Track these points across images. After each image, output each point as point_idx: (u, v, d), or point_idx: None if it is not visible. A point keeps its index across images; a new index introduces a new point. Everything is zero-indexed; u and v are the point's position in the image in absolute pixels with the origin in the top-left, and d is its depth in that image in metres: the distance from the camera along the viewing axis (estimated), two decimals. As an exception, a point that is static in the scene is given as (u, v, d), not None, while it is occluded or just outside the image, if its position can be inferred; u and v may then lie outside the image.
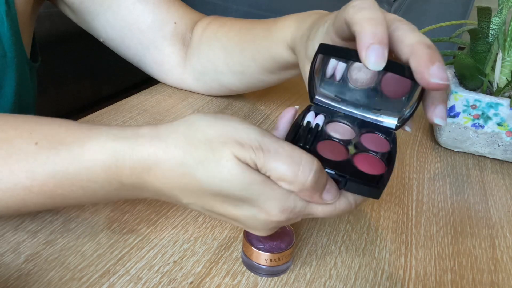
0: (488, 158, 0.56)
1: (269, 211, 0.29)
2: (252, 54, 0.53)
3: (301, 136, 0.32)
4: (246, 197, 0.28)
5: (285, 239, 0.34)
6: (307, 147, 0.31)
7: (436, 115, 0.32)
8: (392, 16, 0.33)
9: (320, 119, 0.34)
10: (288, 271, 0.34)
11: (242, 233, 0.38)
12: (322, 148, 0.32)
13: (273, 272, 0.34)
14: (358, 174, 0.30)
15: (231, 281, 0.33)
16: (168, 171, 0.29)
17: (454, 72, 0.59)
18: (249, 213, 0.29)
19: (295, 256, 0.36)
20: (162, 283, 0.32)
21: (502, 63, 0.54)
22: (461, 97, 0.53)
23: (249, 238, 0.34)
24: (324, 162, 0.30)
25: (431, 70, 0.28)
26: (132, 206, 0.40)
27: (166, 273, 0.33)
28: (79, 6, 0.56)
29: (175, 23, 0.59)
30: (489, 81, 0.56)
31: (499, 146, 0.54)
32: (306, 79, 0.38)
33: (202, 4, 1.73)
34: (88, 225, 0.37)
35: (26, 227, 0.36)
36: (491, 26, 0.54)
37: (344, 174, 0.30)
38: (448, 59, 0.66)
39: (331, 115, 0.35)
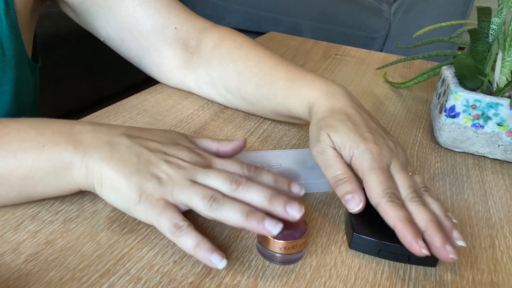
0: (488, 158, 0.56)
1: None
2: (268, 95, 0.53)
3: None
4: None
5: (299, 229, 0.35)
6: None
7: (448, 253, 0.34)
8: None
9: None
10: (288, 271, 0.34)
11: (242, 233, 0.38)
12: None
13: (287, 260, 0.35)
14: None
15: (231, 281, 0.33)
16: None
17: (454, 72, 0.59)
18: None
19: (295, 256, 0.36)
20: (162, 283, 0.32)
21: (502, 63, 0.54)
22: (461, 97, 0.53)
23: None
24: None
25: (446, 249, 0.33)
26: (132, 206, 0.40)
27: (166, 273, 0.33)
28: (79, 7, 0.56)
29: (175, 28, 0.59)
30: (489, 81, 0.56)
31: (499, 146, 0.54)
32: (311, 137, 0.43)
33: (202, 4, 1.73)
34: (88, 225, 0.37)
35: (26, 227, 0.36)
36: (491, 26, 0.54)
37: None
38: (448, 59, 0.66)
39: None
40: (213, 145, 0.42)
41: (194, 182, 0.35)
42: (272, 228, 0.32)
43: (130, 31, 0.58)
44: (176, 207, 0.35)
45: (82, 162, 0.35)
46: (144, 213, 0.34)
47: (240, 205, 0.33)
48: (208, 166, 0.37)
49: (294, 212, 0.33)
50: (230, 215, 0.33)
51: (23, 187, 0.36)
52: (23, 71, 0.52)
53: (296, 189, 0.37)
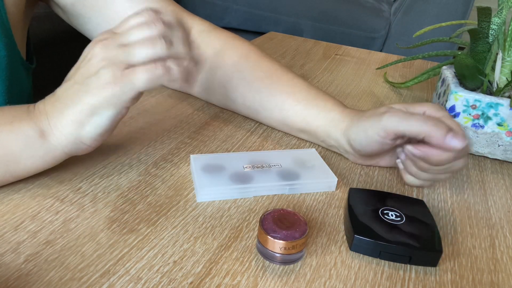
0: (488, 158, 0.56)
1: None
2: (282, 105, 0.54)
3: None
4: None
5: (299, 229, 0.35)
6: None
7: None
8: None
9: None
10: (288, 271, 0.34)
11: (242, 233, 0.38)
12: None
13: (287, 260, 0.35)
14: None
15: (231, 281, 0.33)
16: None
17: (454, 72, 0.59)
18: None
19: (295, 256, 0.36)
20: (162, 283, 0.32)
21: (502, 63, 0.54)
22: (461, 97, 0.53)
23: (264, 227, 0.35)
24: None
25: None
26: (132, 206, 0.40)
27: (166, 273, 0.33)
28: (71, 9, 0.56)
29: None
30: (489, 81, 0.56)
31: (499, 146, 0.54)
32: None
33: (202, 4, 1.73)
34: (88, 225, 0.37)
35: (26, 227, 0.36)
36: (491, 26, 0.54)
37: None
38: (448, 59, 0.66)
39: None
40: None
41: (126, 45, 0.37)
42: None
43: None
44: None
45: (49, 125, 0.38)
46: (126, 90, 0.36)
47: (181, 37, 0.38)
48: (113, 33, 0.38)
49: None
50: (181, 47, 0.37)
51: (6, 164, 0.38)
52: (16, 72, 0.52)
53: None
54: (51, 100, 0.39)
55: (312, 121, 0.51)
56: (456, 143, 0.39)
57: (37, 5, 0.57)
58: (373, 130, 0.44)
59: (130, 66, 0.37)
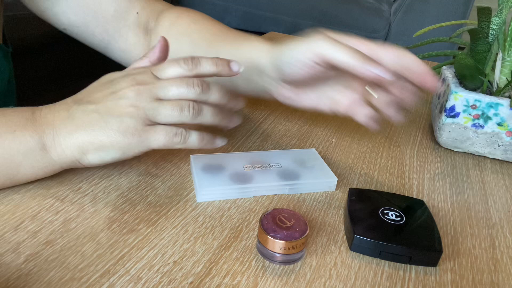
0: (488, 158, 0.56)
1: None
2: (218, 48, 0.54)
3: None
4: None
5: (299, 229, 0.35)
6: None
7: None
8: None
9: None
10: (288, 271, 0.34)
11: (242, 233, 0.38)
12: None
13: (287, 260, 0.35)
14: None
15: (231, 281, 0.33)
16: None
17: (454, 72, 0.59)
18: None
19: (295, 256, 0.36)
20: (162, 283, 0.32)
21: (502, 63, 0.54)
22: (461, 97, 0.53)
23: (264, 227, 0.35)
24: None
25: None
26: (132, 206, 0.40)
27: (166, 273, 0.33)
28: None
29: (137, 13, 0.59)
30: (489, 81, 0.56)
31: (499, 146, 0.54)
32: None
33: (202, 4, 1.73)
34: (88, 225, 0.37)
35: (26, 227, 0.36)
36: (491, 26, 0.54)
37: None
38: (448, 59, 0.66)
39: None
40: (144, 62, 0.44)
41: (159, 99, 0.38)
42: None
43: (94, 16, 0.57)
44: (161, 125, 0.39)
45: (54, 141, 0.38)
46: (140, 144, 0.38)
47: (213, 107, 0.40)
48: (154, 77, 0.40)
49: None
50: (209, 117, 0.40)
51: (6, 170, 0.38)
52: None
53: (235, 67, 0.42)
54: (62, 115, 0.38)
55: (241, 56, 0.50)
56: (373, 70, 0.39)
57: None
58: (303, 53, 0.43)
59: (154, 122, 0.38)
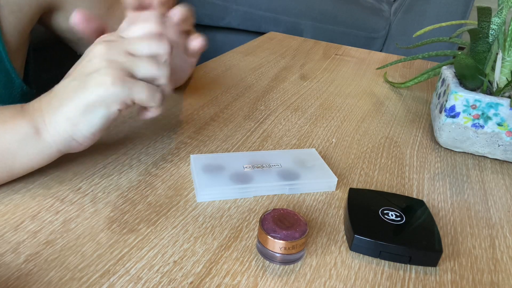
0: (488, 158, 0.56)
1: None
2: None
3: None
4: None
5: (299, 229, 0.35)
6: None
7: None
8: None
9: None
10: (288, 271, 0.34)
11: (242, 233, 0.38)
12: None
13: (287, 260, 0.35)
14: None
15: (231, 281, 0.33)
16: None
17: (454, 72, 0.59)
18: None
19: (295, 256, 0.36)
20: (162, 283, 0.32)
21: (502, 63, 0.54)
22: (461, 97, 0.53)
23: (264, 227, 0.35)
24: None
25: None
26: (132, 206, 0.40)
27: (166, 273, 0.33)
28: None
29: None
30: (489, 81, 0.56)
31: (499, 146, 0.54)
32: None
33: (202, 4, 1.73)
34: (88, 225, 0.37)
35: (26, 227, 0.36)
36: (491, 26, 0.54)
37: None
38: (448, 59, 0.66)
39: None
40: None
41: (131, 54, 0.38)
42: None
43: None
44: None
45: (44, 123, 0.38)
46: (122, 93, 0.37)
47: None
48: (122, 37, 0.40)
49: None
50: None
51: (3, 162, 0.38)
52: (10, 96, 0.52)
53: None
54: (46, 98, 0.39)
55: None
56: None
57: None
58: None
59: (131, 75, 0.38)
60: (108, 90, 0.37)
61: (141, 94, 0.38)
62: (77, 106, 0.37)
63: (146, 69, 0.38)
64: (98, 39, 0.40)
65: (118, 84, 0.37)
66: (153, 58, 0.39)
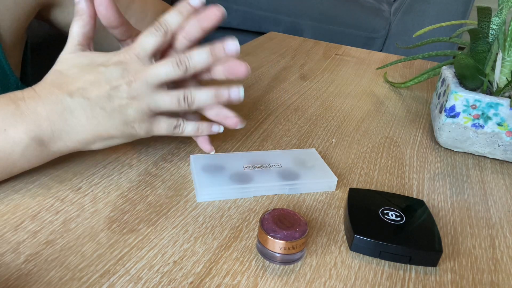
0: (488, 158, 0.56)
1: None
2: None
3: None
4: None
5: (299, 229, 0.35)
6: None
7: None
8: None
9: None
10: (288, 271, 0.34)
11: (242, 233, 0.38)
12: None
13: (287, 260, 0.35)
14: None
15: (231, 281, 0.33)
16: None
17: (454, 72, 0.59)
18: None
19: (295, 256, 0.36)
20: (162, 283, 0.32)
21: (502, 63, 0.54)
22: (461, 97, 0.53)
23: (264, 227, 0.35)
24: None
25: None
26: (132, 206, 0.40)
27: (166, 273, 0.33)
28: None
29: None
30: (489, 81, 0.56)
31: (499, 146, 0.54)
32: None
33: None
34: (88, 225, 0.37)
35: (26, 227, 0.36)
36: (491, 26, 0.54)
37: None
38: (448, 59, 0.66)
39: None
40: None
41: (154, 87, 0.39)
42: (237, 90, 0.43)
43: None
44: (160, 114, 0.41)
45: (53, 136, 0.38)
46: (143, 132, 0.41)
47: (208, 89, 0.42)
48: (139, 61, 0.39)
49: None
50: (203, 98, 0.41)
51: (4, 167, 0.38)
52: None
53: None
54: (56, 109, 0.37)
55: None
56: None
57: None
58: None
59: (155, 112, 0.41)
60: (134, 131, 0.40)
61: (160, 130, 0.42)
62: (99, 135, 0.39)
63: (166, 107, 0.40)
64: (114, 56, 0.39)
65: (141, 125, 0.40)
66: (175, 94, 0.40)
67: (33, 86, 0.39)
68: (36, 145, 0.38)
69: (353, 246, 0.37)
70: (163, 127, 0.42)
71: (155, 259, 0.34)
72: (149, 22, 0.63)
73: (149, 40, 0.39)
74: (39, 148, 0.38)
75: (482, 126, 0.53)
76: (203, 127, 0.44)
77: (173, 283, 0.32)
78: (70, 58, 0.40)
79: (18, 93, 0.38)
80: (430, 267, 0.36)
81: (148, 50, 0.39)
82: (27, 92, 0.38)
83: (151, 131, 0.41)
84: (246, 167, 0.45)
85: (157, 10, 0.64)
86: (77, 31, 0.40)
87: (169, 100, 0.40)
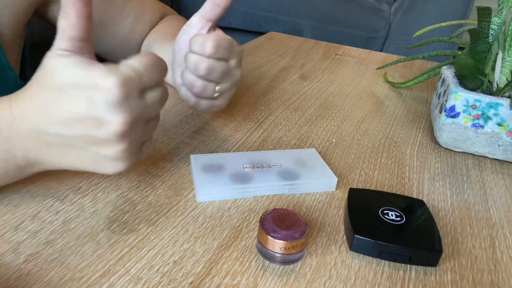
0: (488, 158, 0.56)
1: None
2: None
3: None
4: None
5: (299, 229, 0.35)
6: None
7: None
8: None
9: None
10: (288, 271, 0.34)
11: (242, 233, 0.38)
12: None
13: (287, 260, 0.35)
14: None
15: (231, 281, 0.33)
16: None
17: (454, 72, 0.59)
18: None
19: (295, 256, 0.36)
20: (162, 283, 0.32)
21: (502, 63, 0.54)
22: (461, 97, 0.53)
23: (264, 227, 0.35)
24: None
25: None
26: (132, 206, 0.40)
27: (166, 273, 0.33)
28: None
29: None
30: (489, 81, 0.56)
31: (499, 146, 0.54)
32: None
33: (202, 4, 1.73)
34: (88, 225, 0.37)
35: (26, 227, 0.36)
36: (491, 26, 0.54)
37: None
38: (448, 59, 0.66)
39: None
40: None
41: (147, 120, 0.34)
42: None
43: (124, 46, 0.64)
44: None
45: (28, 164, 0.35)
46: (132, 162, 0.34)
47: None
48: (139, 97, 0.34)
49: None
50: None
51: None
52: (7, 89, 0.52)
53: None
54: (34, 139, 0.33)
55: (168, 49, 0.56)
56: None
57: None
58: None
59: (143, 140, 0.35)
60: (124, 165, 0.34)
61: (146, 154, 0.37)
62: (83, 168, 0.34)
63: (151, 132, 0.36)
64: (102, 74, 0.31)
65: (134, 158, 0.34)
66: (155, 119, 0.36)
67: (11, 105, 0.33)
68: (23, 167, 0.35)
69: (353, 246, 0.37)
70: (147, 150, 0.36)
71: (155, 259, 0.34)
72: (146, 21, 0.63)
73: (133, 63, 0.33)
74: (26, 168, 0.36)
75: (482, 126, 0.53)
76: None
77: (173, 283, 0.32)
78: (55, 69, 0.32)
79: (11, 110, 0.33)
80: (430, 267, 0.36)
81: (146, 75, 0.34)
82: (3, 112, 0.33)
83: (140, 158, 0.36)
84: (246, 167, 0.45)
85: (154, 9, 0.64)
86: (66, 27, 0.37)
87: (154, 126, 0.36)
